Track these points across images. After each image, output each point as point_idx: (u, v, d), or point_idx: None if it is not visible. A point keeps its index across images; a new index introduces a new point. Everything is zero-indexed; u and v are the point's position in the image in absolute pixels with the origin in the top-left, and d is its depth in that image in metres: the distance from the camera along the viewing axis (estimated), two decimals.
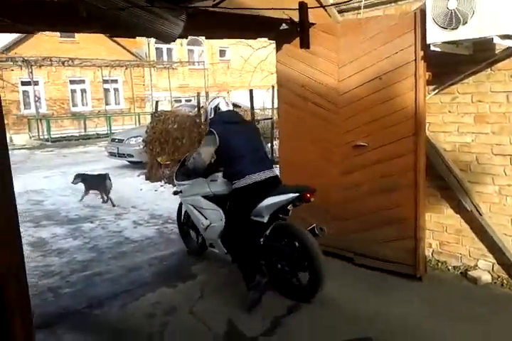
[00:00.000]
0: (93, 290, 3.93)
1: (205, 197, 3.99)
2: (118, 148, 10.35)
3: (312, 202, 3.45)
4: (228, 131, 3.61)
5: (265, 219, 3.56)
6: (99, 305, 3.66)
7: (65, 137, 18.00)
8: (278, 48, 4.60)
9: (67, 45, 20.82)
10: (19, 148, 16.13)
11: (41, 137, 17.86)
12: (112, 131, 17.57)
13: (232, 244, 3.77)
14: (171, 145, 7.76)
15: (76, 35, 21.05)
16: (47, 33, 20.13)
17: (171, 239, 5.24)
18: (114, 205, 6.91)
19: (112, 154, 10.64)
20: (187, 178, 4.21)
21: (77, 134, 19.48)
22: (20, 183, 8.78)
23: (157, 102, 8.93)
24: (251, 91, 5.93)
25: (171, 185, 7.90)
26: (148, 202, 7.08)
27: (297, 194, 3.42)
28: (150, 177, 8.48)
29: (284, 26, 4.39)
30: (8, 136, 18.57)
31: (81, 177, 7.34)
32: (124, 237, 5.37)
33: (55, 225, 5.97)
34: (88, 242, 5.24)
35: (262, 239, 3.63)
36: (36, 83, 20.32)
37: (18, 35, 19.58)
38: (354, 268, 4.13)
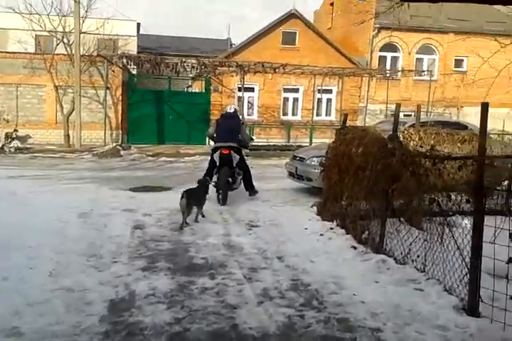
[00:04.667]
0: None
1: None
2: (297, 168, 8.49)
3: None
4: (220, 122, 7.99)
5: (217, 163, 7.61)
6: None
7: (265, 146, 17.23)
8: None
9: (288, 52, 20.38)
10: None
11: None
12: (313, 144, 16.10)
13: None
14: (351, 176, 5.50)
15: (297, 42, 20.58)
16: (268, 40, 20.19)
17: None
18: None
19: (290, 174, 8.86)
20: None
21: (281, 144, 18.69)
22: None
23: (346, 115, 6.73)
24: (484, 105, 3.30)
25: (344, 230, 5.67)
26: (303, 253, 4.97)
27: (218, 151, 7.62)
28: (322, 213, 6.39)
29: None
30: None
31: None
32: (234, 328, 3.39)
33: (168, 273, 4.38)
34: (180, 320, 3.43)
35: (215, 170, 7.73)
36: (252, 90, 20.38)
37: (242, 41, 20.04)
38: None
